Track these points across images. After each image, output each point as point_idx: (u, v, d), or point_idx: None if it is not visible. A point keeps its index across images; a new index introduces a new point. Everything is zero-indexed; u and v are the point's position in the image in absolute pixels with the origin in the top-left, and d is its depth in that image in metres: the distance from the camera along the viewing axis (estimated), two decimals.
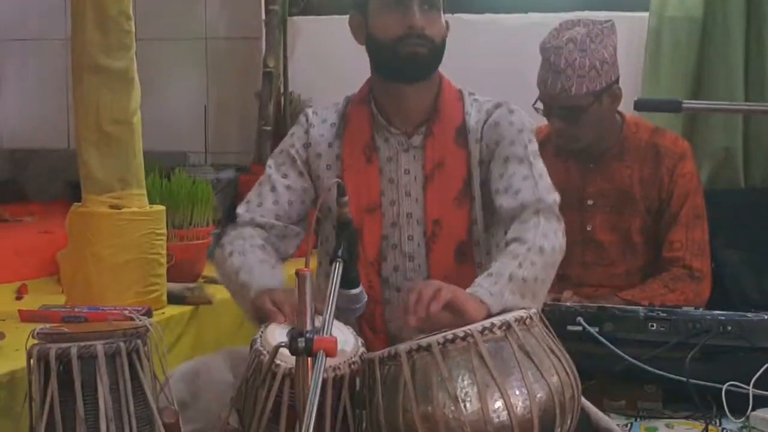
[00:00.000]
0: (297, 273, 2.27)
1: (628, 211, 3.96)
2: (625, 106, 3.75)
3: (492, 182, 2.95)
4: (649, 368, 3.44)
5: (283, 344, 2.27)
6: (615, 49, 3.83)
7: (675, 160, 3.93)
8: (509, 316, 2.48)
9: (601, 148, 3.93)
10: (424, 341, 2.42)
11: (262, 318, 2.69)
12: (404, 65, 2.97)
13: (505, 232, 2.86)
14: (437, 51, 2.95)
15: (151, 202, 3.52)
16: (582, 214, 3.94)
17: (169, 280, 3.54)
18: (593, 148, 3.91)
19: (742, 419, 3.35)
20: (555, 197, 2.91)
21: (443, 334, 2.43)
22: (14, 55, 5.61)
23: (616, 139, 3.95)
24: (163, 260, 3.46)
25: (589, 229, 3.96)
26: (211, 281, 3.88)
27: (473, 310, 2.53)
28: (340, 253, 2.49)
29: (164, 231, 3.49)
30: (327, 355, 2.19)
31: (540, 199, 2.85)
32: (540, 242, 2.74)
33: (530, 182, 2.89)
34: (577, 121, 3.80)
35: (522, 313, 2.51)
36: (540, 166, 2.96)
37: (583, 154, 3.91)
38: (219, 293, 3.67)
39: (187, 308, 3.53)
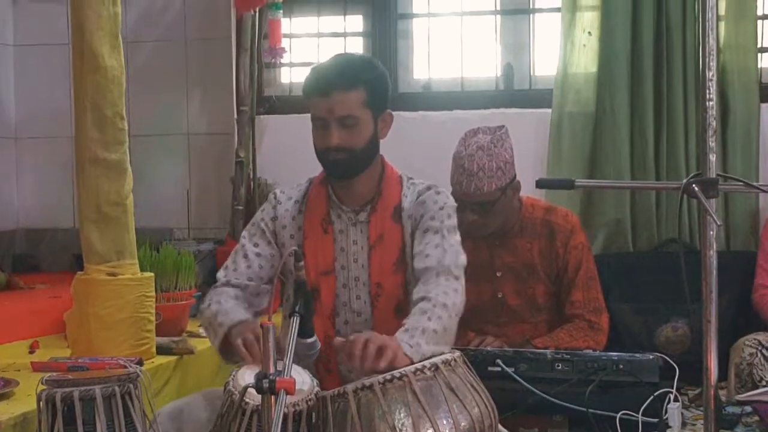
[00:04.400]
0: (261, 325, 2.29)
1: (532, 279, 3.97)
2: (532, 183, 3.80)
3: (413, 248, 2.99)
4: (556, 401, 3.45)
5: (250, 385, 2.28)
6: (512, 149, 3.87)
7: (567, 235, 3.96)
8: (437, 359, 2.51)
9: (505, 229, 3.95)
10: (367, 381, 2.44)
11: (232, 353, 2.73)
12: (331, 170, 3.03)
13: None
14: (358, 156, 2.96)
15: (142, 270, 3.51)
16: (493, 283, 3.95)
17: (157, 335, 3.51)
18: (498, 230, 3.95)
19: None
20: (458, 263, 2.92)
21: (383, 375, 2.45)
22: (29, 150, 5.59)
23: (516, 219, 3.98)
24: (153, 318, 3.44)
25: (500, 296, 3.97)
26: (194, 335, 3.87)
27: (401, 362, 2.55)
28: (297, 308, 2.51)
29: (153, 294, 3.48)
30: (287, 393, 2.20)
31: (440, 263, 2.88)
32: (442, 299, 2.78)
33: (439, 250, 2.91)
34: (488, 213, 3.83)
35: (447, 356, 2.54)
36: (453, 239, 2.97)
37: (490, 235, 3.94)
38: (200, 345, 3.67)
39: (173, 358, 3.50)
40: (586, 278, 3.96)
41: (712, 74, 2.37)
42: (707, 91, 2.36)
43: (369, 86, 2.95)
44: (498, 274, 3.96)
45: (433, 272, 2.87)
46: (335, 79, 2.93)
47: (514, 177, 3.87)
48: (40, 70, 5.55)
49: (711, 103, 2.37)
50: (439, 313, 2.74)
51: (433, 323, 2.71)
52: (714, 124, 2.38)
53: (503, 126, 3.89)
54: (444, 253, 2.91)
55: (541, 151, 4.85)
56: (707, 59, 2.37)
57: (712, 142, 2.38)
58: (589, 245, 4.09)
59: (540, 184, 2.72)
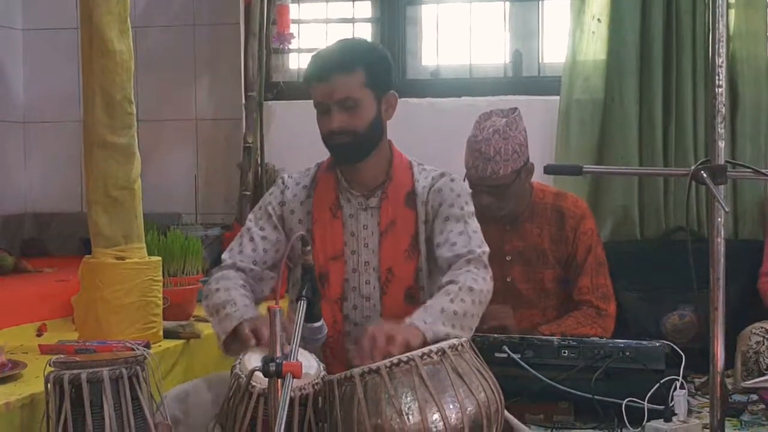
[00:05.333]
0: (269, 309, 2.30)
1: (541, 264, 3.98)
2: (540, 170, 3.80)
3: (434, 237, 2.98)
4: (562, 387, 3.46)
5: (257, 368, 2.29)
6: (525, 132, 3.89)
7: (577, 221, 3.97)
8: (444, 344, 2.51)
9: (516, 213, 3.97)
10: (374, 365, 2.46)
11: (236, 347, 2.73)
12: (336, 153, 3.04)
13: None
14: (362, 138, 2.96)
15: (150, 254, 3.51)
16: (502, 268, 3.95)
17: (165, 319, 3.52)
18: (509, 214, 3.95)
19: (639, 429, 3.37)
20: (484, 249, 2.94)
21: (390, 359, 2.46)
22: (38, 135, 5.59)
23: (527, 203, 3.99)
24: (160, 302, 3.45)
25: (509, 280, 3.98)
26: (201, 320, 3.87)
27: (411, 337, 2.56)
28: (304, 292, 2.52)
29: (161, 278, 3.48)
30: (293, 377, 2.21)
31: (471, 251, 2.89)
32: (470, 284, 2.78)
33: (464, 237, 2.92)
34: (503, 196, 3.84)
35: (455, 341, 2.55)
36: (474, 224, 3.00)
37: (501, 219, 3.95)
38: (207, 329, 3.66)
39: (180, 342, 3.51)
40: (596, 264, 3.97)
41: (721, 60, 2.36)
42: (716, 77, 2.36)
43: (368, 68, 2.96)
44: (507, 259, 3.96)
45: (464, 259, 2.88)
46: (333, 63, 2.94)
47: (528, 159, 3.89)
48: (48, 55, 5.55)
49: (720, 89, 2.37)
50: (463, 296, 2.75)
51: (455, 305, 2.72)
52: (723, 110, 2.38)
53: (516, 108, 3.90)
54: (469, 239, 2.93)
55: (549, 139, 4.84)
56: (717, 45, 2.37)
57: (721, 129, 2.38)
58: (598, 232, 4.10)
59: (548, 169, 2.72)
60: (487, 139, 3.77)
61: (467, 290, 2.76)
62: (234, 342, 2.78)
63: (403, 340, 2.57)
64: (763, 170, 2.46)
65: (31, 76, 5.62)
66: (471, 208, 3.04)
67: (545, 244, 3.97)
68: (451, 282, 2.81)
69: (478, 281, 2.83)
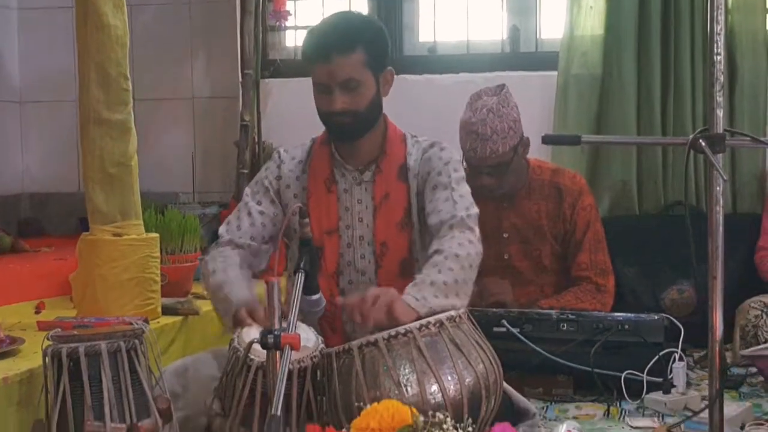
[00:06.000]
0: (266, 281, 2.30)
1: (538, 240, 4.00)
2: (537, 146, 3.80)
3: (425, 207, 2.98)
4: (561, 361, 3.48)
5: (255, 340, 2.30)
6: (517, 107, 3.91)
7: (575, 197, 3.98)
8: (442, 316, 2.51)
9: (513, 191, 3.98)
10: (372, 337, 2.46)
11: (236, 325, 2.72)
12: (336, 132, 3.04)
13: None
14: (362, 117, 2.97)
15: (148, 232, 3.51)
16: (499, 245, 3.96)
17: (163, 296, 3.52)
18: (508, 191, 3.96)
19: (638, 401, 3.39)
20: (470, 212, 2.92)
21: (387, 331, 2.46)
22: (34, 115, 5.57)
23: (525, 180, 4.00)
24: (158, 279, 3.44)
25: (506, 257, 4.00)
26: (199, 297, 3.87)
27: (403, 315, 2.56)
28: (302, 264, 2.52)
29: (158, 254, 3.47)
30: (292, 349, 2.21)
31: (454, 216, 2.88)
32: (455, 250, 2.78)
33: (449, 203, 2.92)
34: (503, 174, 3.87)
35: (452, 312, 2.55)
36: (462, 189, 2.98)
37: (499, 197, 3.95)
38: (205, 306, 3.67)
39: (178, 318, 3.50)
40: (594, 240, 3.98)
41: (719, 28, 2.35)
42: (715, 46, 2.35)
43: (368, 47, 2.94)
44: (505, 236, 3.97)
45: (447, 225, 2.87)
46: (334, 43, 2.92)
47: (523, 134, 3.90)
48: (44, 34, 5.52)
49: (719, 57, 2.36)
50: (451, 264, 2.74)
51: (443, 275, 2.71)
52: (721, 78, 2.37)
53: (503, 85, 3.92)
54: (454, 205, 2.91)
55: (547, 114, 4.82)
56: (715, 13, 2.36)
57: (719, 97, 2.37)
58: (597, 208, 4.10)
59: (546, 140, 2.72)
60: (482, 119, 3.78)
61: (453, 258, 2.76)
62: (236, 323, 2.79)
63: (398, 309, 2.57)
64: (761, 138, 2.46)
65: (27, 56, 5.59)
66: (459, 174, 3.03)
67: (543, 221, 3.98)
68: (436, 252, 2.80)
69: (464, 245, 2.82)
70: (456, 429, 2.02)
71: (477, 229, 2.91)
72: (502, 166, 3.85)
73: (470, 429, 2.05)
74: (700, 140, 2.37)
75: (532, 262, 4.02)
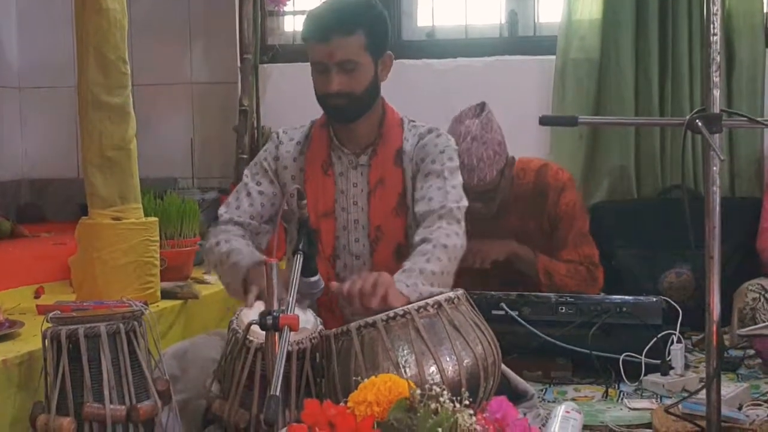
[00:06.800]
0: (265, 262, 2.30)
1: (527, 245, 3.98)
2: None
3: (415, 193, 2.99)
4: (560, 343, 3.49)
5: (254, 321, 2.30)
6: (500, 127, 3.86)
7: (557, 193, 3.97)
8: (440, 297, 2.51)
9: (501, 205, 3.96)
10: (370, 319, 2.46)
11: (246, 290, 2.73)
12: (333, 113, 3.04)
13: None
14: (359, 99, 2.96)
15: (147, 217, 3.51)
16: (483, 241, 3.93)
17: (163, 280, 3.52)
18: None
19: (636, 383, 3.40)
20: (461, 204, 2.94)
21: (386, 313, 2.46)
22: (34, 101, 5.58)
23: (510, 192, 3.99)
24: (157, 262, 3.44)
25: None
26: (198, 281, 3.88)
27: (396, 302, 2.56)
28: (300, 246, 2.52)
29: (157, 238, 3.47)
30: (291, 330, 2.21)
31: (444, 206, 2.89)
32: (443, 241, 2.79)
33: (441, 192, 2.92)
34: (493, 199, 3.86)
35: (450, 294, 2.55)
36: (455, 180, 2.99)
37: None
38: (204, 290, 3.69)
39: (178, 302, 3.50)
40: (579, 235, 3.98)
41: (716, 9, 2.35)
42: (712, 26, 2.35)
43: (368, 29, 2.94)
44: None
45: (436, 214, 2.88)
46: (334, 24, 2.92)
47: (508, 154, 3.88)
48: (42, 20, 5.53)
49: (715, 37, 2.35)
50: (439, 254, 2.76)
51: (431, 265, 2.73)
52: (718, 59, 2.37)
53: (484, 103, 3.87)
54: (446, 195, 2.92)
55: (545, 98, 4.82)
56: None
57: (716, 77, 2.37)
58: (581, 202, 4.11)
59: (543, 120, 2.71)
60: (467, 149, 3.73)
61: (442, 248, 2.77)
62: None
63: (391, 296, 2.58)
64: (758, 119, 2.46)
65: (26, 41, 5.60)
66: (454, 164, 3.02)
67: (529, 225, 3.99)
68: (425, 240, 2.81)
69: (451, 236, 2.83)
70: (452, 402, 2.02)
71: (463, 222, 2.93)
72: (490, 192, 3.85)
73: (467, 402, 2.05)
74: (697, 120, 2.36)
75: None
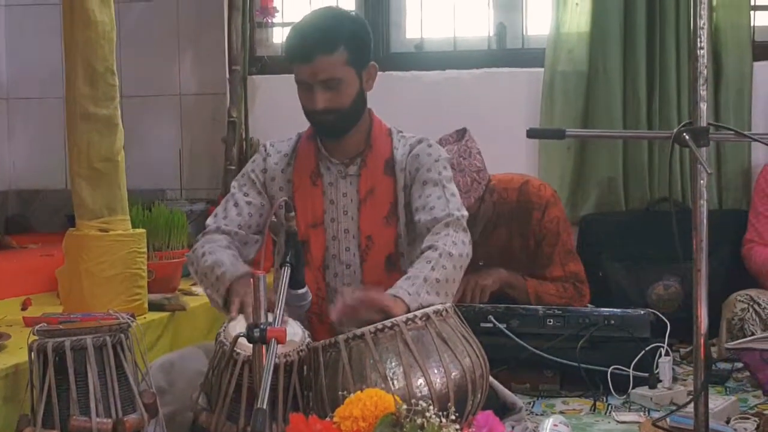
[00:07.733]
0: (252, 275, 2.29)
1: (514, 263, 3.99)
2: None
3: (412, 202, 2.98)
4: (548, 356, 3.49)
5: (241, 334, 2.29)
6: (480, 153, 3.86)
7: (541, 211, 3.98)
8: (428, 310, 2.51)
9: (484, 225, 3.96)
10: (358, 331, 2.45)
11: (228, 303, 2.72)
12: (322, 130, 3.04)
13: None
14: (346, 114, 2.96)
15: (135, 228, 3.50)
16: (477, 273, 3.92)
17: (150, 292, 3.51)
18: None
19: (624, 396, 3.40)
20: (463, 213, 2.93)
21: (374, 324, 2.45)
22: (21, 112, 5.57)
23: (492, 213, 3.99)
24: (144, 274, 3.43)
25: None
26: (186, 293, 3.87)
27: (395, 308, 2.55)
28: (288, 258, 2.51)
29: (145, 250, 3.45)
30: (278, 342, 2.20)
31: (449, 214, 2.88)
32: (449, 249, 2.77)
33: (443, 201, 2.91)
34: (474, 225, 3.84)
35: (439, 306, 2.54)
36: (452, 188, 2.98)
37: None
38: (192, 302, 3.68)
39: (165, 314, 3.49)
40: (564, 252, 4.00)
41: (703, 23, 2.36)
42: (699, 39, 2.36)
43: (350, 44, 2.93)
44: (480, 263, 3.94)
45: (442, 223, 2.86)
46: (316, 43, 2.90)
47: (488, 180, 3.87)
48: (31, 31, 5.52)
49: (702, 51, 2.36)
50: (444, 262, 2.74)
51: (436, 272, 2.71)
52: (705, 72, 2.37)
53: (464, 129, 3.87)
54: (447, 203, 2.91)
55: (533, 111, 4.83)
56: (699, 8, 2.36)
57: (703, 91, 2.38)
58: (565, 217, 4.11)
59: (530, 133, 2.71)
60: None
61: (447, 256, 2.76)
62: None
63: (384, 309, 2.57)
64: (744, 132, 2.46)
65: (14, 52, 5.58)
66: (448, 173, 3.02)
67: (514, 243, 3.99)
68: (430, 248, 2.79)
69: (458, 245, 2.82)
70: (438, 417, 2.02)
71: (468, 232, 2.91)
72: (470, 219, 3.85)
73: (453, 417, 2.04)
74: (684, 134, 2.37)
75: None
